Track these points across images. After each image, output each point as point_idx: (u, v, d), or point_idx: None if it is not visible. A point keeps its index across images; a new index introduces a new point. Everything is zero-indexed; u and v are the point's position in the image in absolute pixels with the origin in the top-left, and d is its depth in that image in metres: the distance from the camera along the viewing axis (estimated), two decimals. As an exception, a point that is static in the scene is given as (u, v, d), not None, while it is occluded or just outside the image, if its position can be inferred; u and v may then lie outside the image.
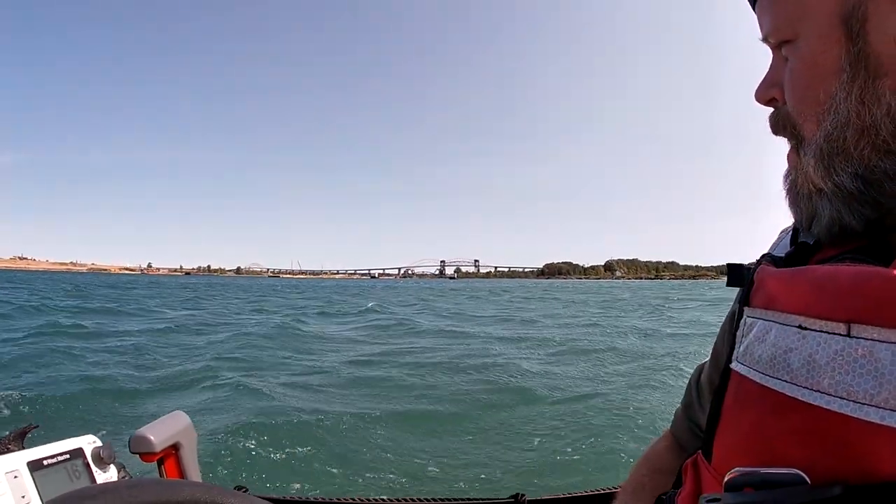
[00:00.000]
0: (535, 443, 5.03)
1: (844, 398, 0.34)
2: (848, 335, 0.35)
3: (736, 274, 0.53)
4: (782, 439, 0.38)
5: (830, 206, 0.44)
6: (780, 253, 0.52)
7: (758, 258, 0.52)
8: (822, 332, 0.37)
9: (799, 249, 0.50)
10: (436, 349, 11.27)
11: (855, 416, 0.34)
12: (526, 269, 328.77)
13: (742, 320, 0.48)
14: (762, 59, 0.52)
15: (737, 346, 0.47)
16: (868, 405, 0.33)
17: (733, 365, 0.46)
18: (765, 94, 0.49)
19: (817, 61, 0.42)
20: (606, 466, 4.38)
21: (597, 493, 1.31)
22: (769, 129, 0.51)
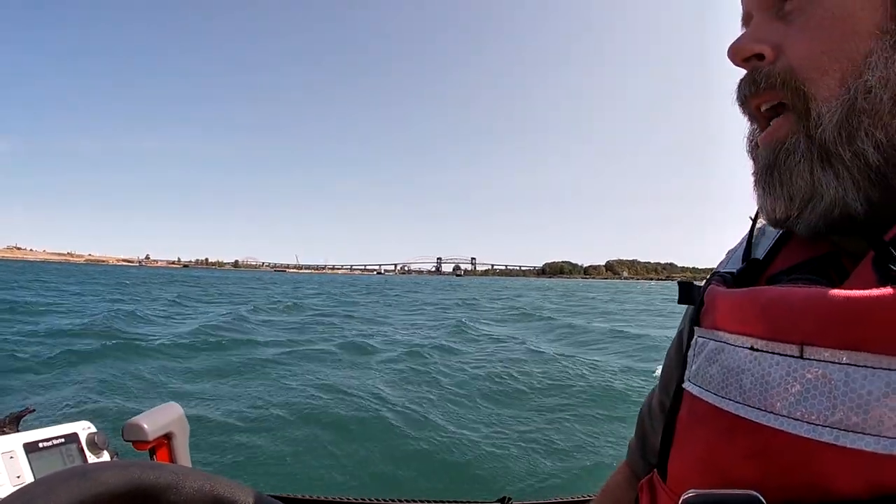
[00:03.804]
0: (525, 445, 4.92)
1: (798, 419, 0.34)
2: (801, 357, 0.35)
3: (686, 292, 0.52)
4: (737, 460, 0.37)
5: (836, 183, 0.39)
6: (733, 268, 0.51)
7: (708, 276, 0.51)
8: (774, 353, 0.37)
9: (750, 266, 0.49)
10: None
11: (809, 436, 0.33)
12: (524, 268, 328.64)
13: (693, 340, 0.47)
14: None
15: (688, 366, 0.46)
16: (822, 426, 0.33)
17: (685, 385, 0.45)
18: (751, 48, 0.44)
19: (851, 15, 0.39)
20: (598, 472, 4.31)
21: (584, 499, 1.28)
22: (740, 94, 0.46)
